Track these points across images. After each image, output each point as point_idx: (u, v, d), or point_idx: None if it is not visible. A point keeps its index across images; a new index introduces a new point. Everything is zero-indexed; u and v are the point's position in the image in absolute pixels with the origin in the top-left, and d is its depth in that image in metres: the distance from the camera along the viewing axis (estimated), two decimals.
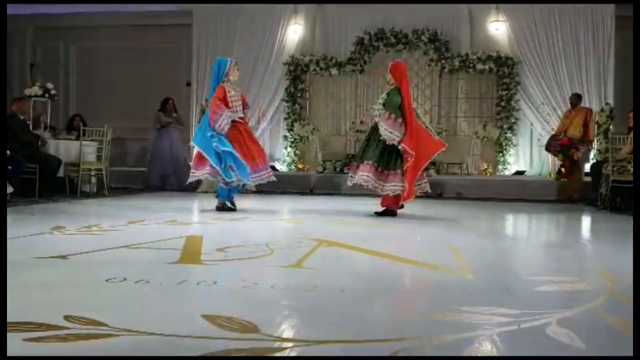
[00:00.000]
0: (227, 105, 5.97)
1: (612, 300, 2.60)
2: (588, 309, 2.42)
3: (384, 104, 5.80)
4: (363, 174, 5.73)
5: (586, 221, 6.55)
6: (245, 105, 6.30)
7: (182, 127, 10.06)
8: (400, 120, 5.73)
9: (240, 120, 6.10)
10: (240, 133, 6.04)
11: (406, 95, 5.80)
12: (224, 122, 5.84)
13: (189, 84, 11.24)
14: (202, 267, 3.27)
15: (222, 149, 5.81)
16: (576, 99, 9.08)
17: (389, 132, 5.68)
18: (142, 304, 2.43)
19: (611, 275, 3.09)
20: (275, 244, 4.06)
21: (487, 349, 1.94)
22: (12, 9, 10.10)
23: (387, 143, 5.70)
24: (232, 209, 6.21)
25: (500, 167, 10.31)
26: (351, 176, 5.94)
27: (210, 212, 6.18)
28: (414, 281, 3.04)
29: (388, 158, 5.75)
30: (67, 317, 2.11)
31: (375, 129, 5.88)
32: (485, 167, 10.27)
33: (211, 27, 11.04)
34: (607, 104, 9.72)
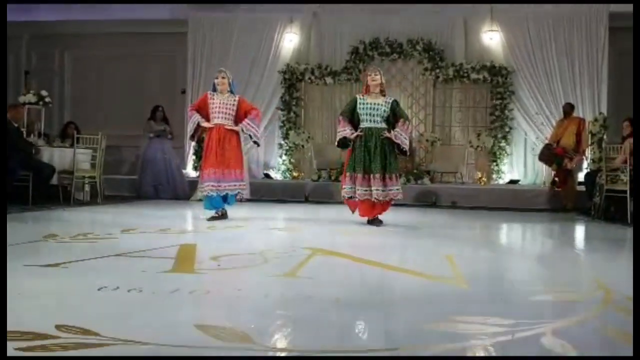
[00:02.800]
0: (207, 112, 6.15)
1: (607, 310, 2.59)
2: (583, 319, 2.42)
3: (400, 115, 5.89)
4: (376, 188, 5.72)
5: (580, 231, 6.57)
6: (246, 112, 6.20)
7: (171, 138, 9.97)
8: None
9: (223, 125, 6.08)
10: (210, 139, 6.08)
11: None
12: (189, 126, 6.30)
13: (183, 92, 11.24)
14: (195, 276, 3.25)
15: None
16: (569, 108, 9.12)
17: (407, 142, 5.92)
18: (135, 313, 2.41)
19: (606, 285, 3.09)
20: (270, 253, 4.04)
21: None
22: (8, 16, 10.09)
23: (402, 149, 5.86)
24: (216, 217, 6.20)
25: (494, 176, 10.34)
26: (358, 188, 5.81)
27: (204, 221, 6.14)
28: (408, 291, 3.03)
29: (388, 163, 5.78)
30: (58, 327, 2.09)
31: (368, 137, 5.85)
32: (480, 176, 10.29)
33: (206, 35, 11.05)
34: (600, 113, 9.77)
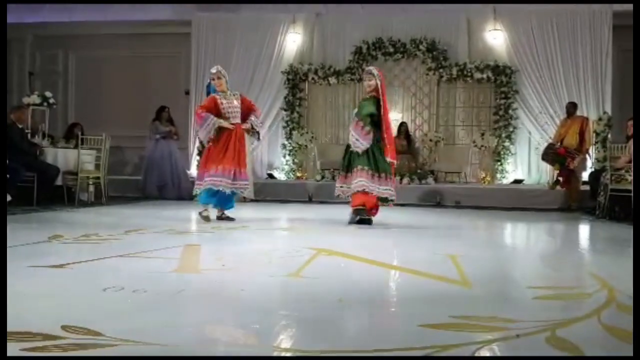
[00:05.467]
0: (218, 114, 6.00)
1: (611, 309, 2.59)
2: (587, 318, 2.42)
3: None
4: (359, 180, 5.66)
5: (584, 230, 6.55)
6: (248, 108, 6.23)
7: (177, 139, 10.02)
8: (367, 128, 5.69)
9: (233, 126, 6.03)
10: (229, 137, 5.98)
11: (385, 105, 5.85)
12: (207, 127, 5.95)
13: (187, 93, 11.26)
14: (200, 277, 3.26)
15: None
16: (572, 107, 9.11)
17: (355, 140, 5.73)
18: (140, 314, 2.41)
19: (610, 285, 3.09)
20: (274, 253, 4.05)
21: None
22: (11, 18, 10.13)
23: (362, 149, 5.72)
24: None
25: (498, 175, 10.32)
26: (341, 187, 5.94)
27: (208, 222, 6.14)
28: (412, 291, 3.03)
29: (377, 163, 5.74)
30: (64, 327, 2.09)
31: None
32: (484, 175, 10.28)
33: (210, 36, 11.07)
34: (604, 112, 9.75)
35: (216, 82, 6.08)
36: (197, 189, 6.01)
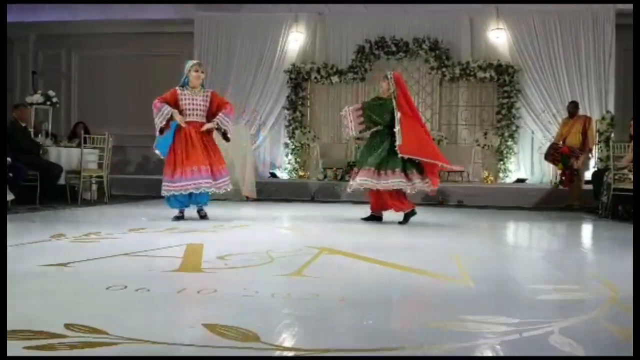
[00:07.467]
0: (176, 109, 5.80)
1: (614, 309, 2.59)
2: (590, 318, 2.41)
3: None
4: (361, 179, 5.82)
5: (587, 229, 6.54)
6: (219, 106, 5.96)
7: None
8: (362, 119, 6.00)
9: (186, 124, 5.79)
10: (184, 137, 5.78)
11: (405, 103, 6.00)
12: (161, 117, 5.80)
13: None
14: (202, 275, 3.26)
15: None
16: (574, 107, 9.09)
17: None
18: (143, 313, 2.42)
19: (612, 284, 3.08)
20: (276, 252, 4.05)
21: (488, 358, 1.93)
22: (14, 17, 10.16)
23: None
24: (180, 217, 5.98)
25: (501, 175, 10.32)
26: (351, 184, 6.03)
27: (210, 221, 6.15)
28: (415, 290, 3.03)
29: (389, 162, 5.81)
30: (67, 326, 2.10)
31: (376, 134, 5.95)
32: (486, 175, 10.27)
33: (212, 35, 11.09)
34: (607, 111, 9.73)
35: (194, 74, 5.89)
36: (166, 192, 5.79)
